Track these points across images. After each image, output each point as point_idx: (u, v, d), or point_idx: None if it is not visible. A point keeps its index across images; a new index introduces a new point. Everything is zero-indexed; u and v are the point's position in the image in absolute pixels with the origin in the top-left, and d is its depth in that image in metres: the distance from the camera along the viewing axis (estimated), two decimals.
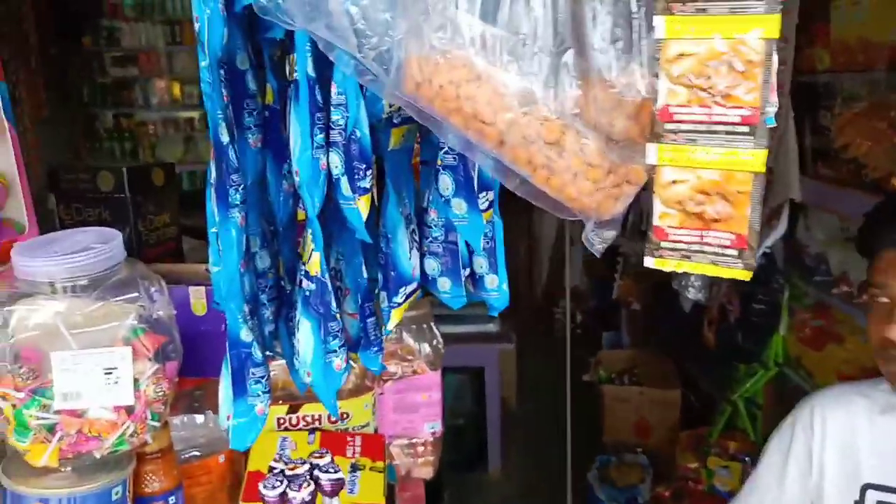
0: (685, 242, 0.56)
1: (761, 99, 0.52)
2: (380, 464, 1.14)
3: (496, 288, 1.03)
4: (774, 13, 0.52)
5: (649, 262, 0.57)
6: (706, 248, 0.55)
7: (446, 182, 0.89)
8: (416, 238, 1.03)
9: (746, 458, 2.85)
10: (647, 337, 3.90)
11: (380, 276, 1.00)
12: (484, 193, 0.89)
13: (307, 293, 0.86)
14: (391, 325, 0.99)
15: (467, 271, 1.06)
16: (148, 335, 0.94)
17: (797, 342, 2.71)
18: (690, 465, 2.93)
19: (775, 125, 0.66)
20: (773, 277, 2.46)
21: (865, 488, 1.07)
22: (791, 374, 2.75)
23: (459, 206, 0.89)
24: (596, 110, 0.58)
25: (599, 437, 3.49)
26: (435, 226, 0.99)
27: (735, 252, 0.54)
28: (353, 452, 1.15)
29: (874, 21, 2.19)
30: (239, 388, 0.88)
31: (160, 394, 0.95)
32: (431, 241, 1.02)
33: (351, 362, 0.91)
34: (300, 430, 1.22)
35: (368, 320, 1.00)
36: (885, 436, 1.07)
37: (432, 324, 1.53)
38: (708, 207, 0.54)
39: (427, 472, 1.54)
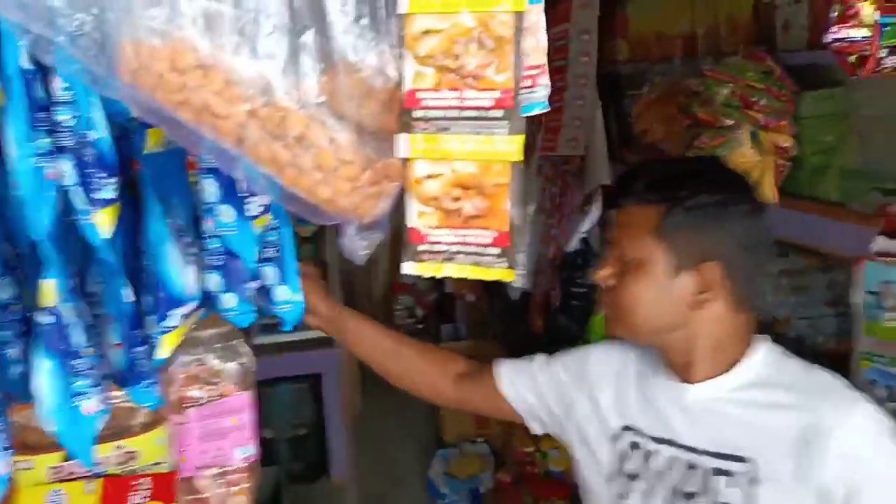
0: (445, 243, 0.50)
1: (514, 79, 0.47)
2: None
3: (286, 300, 0.94)
4: None
5: (409, 267, 0.51)
6: (467, 249, 0.50)
7: (210, 188, 0.78)
8: (194, 251, 0.91)
9: None
10: (482, 327, 3.96)
11: (146, 299, 0.87)
12: (256, 198, 0.79)
13: (43, 328, 0.72)
14: (163, 353, 0.87)
15: (256, 284, 0.96)
16: None
17: None
18: (526, 449, 2.99)
19: (548, 110, 0.62)
20: (590, 261, 2.56)
21: (623, 429, 1.13)
22: None
23: (227, 214, 0.79)
24: (344, 98, 0.51)
25: (441, 432, 3.50)
26: (212, 237, 0.88)
27: (497, 251, 0.49)
28: (143, 497, 1.01)
29: (667, 13, 2.33)
30: None
31: None
32: (210, 254, 0.91)
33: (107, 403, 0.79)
34: (79, 479, 1.06)
35: (137, 350, 0.87)
36: (644, 387, 1.13)
37: (240, 340, 1.41)
38: (465, 203, 0.49)
39: (243, 502, 1.42)
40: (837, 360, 1.69)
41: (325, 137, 0.51)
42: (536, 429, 1.31)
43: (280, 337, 3.49)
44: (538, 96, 0.58)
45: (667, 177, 1.05)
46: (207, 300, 0.93)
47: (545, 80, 0.58)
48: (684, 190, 1.01)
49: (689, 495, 1.03)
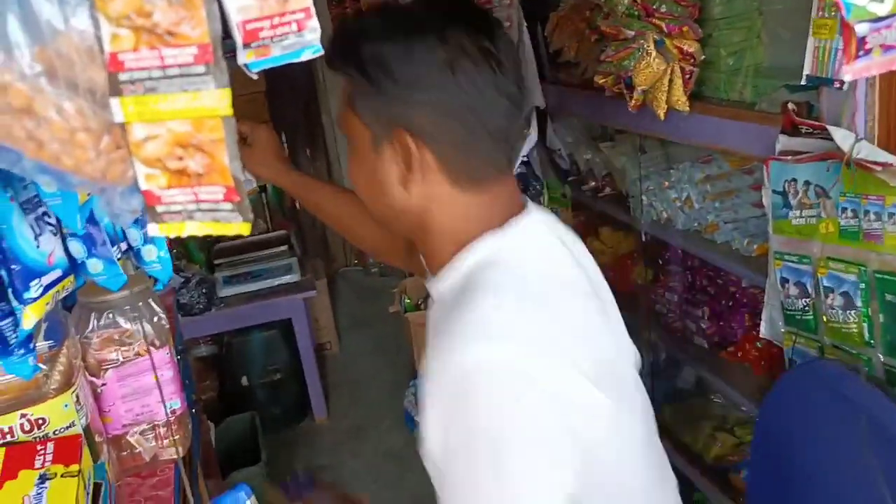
0: (182, 203, 0.50)
1: (211, 33, 0.47)
2: (74, 467, 1.05)
3: (155, 259, 0.96)
4: None
5: (153, 229, 0.51)
6: (203, 206, 0.50)
7: None
8: (51, 221, 0.92)
9: None
10: None
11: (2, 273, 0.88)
12: None
13: None
14: (28, 324, 0.89)
15: (123, 246, 0.97)
16: None
17: None
18: None
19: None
20: (532, 182, 2.56)
21: None
22: None
23: (49, 184, 0.78)
24: (65, 66, 0.50)
25: (413, 364, 3.57)
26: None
27: (230, 206, 0.50)
28: (44, 462, 1.05)
29: None
30: None
31: None
32: None
33: None
34: None
35: (3, 323, 0.89)
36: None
37: (150, 301, 1.43)
38: (189, 162, 0.49)
39: (173, 452, 1.48)
40: (763, 261, 1.72)
41: (50, 108, 0.51)
42: None
43: (246, 287, 3.53)
44: (307, 40, 0.57)
45: (346, 35, 0.88)
46: (75, 267, 0.95)
47: (313, 24, 0.57)
48: (364, 46, 0.84)
49: None
